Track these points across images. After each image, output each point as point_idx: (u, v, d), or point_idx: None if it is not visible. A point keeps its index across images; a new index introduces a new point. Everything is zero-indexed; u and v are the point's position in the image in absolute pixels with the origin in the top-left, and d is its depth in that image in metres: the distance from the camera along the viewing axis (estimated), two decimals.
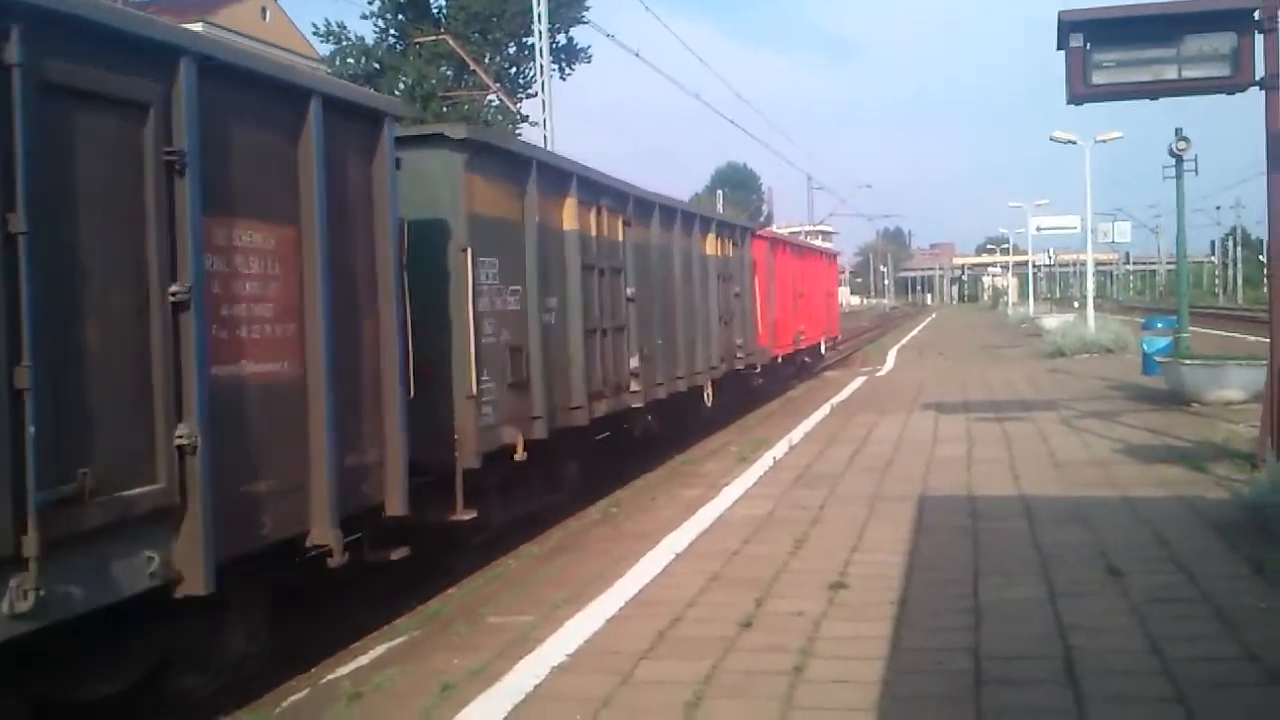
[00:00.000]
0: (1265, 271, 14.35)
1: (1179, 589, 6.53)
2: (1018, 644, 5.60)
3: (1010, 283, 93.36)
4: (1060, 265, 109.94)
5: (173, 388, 5.33)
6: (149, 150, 5.29)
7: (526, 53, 35.25)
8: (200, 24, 50.66)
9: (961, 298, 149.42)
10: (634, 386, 12.56)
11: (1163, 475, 10.20)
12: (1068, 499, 9.33)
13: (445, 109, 31.73)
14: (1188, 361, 16.53)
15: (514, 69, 37.27)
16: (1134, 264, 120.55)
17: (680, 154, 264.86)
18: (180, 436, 5.33)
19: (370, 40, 36.11)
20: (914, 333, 49.61)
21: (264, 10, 59.86)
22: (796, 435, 14.19)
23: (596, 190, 11.92)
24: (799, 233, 57.19)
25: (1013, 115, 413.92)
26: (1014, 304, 74.16)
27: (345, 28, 35.59)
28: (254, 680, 6.67)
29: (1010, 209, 62.92)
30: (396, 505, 7.34)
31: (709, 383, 16.48)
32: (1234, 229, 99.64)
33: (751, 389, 20.75)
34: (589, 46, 38.36)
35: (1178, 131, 20.55)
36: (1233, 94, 9.71)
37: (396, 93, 32.32)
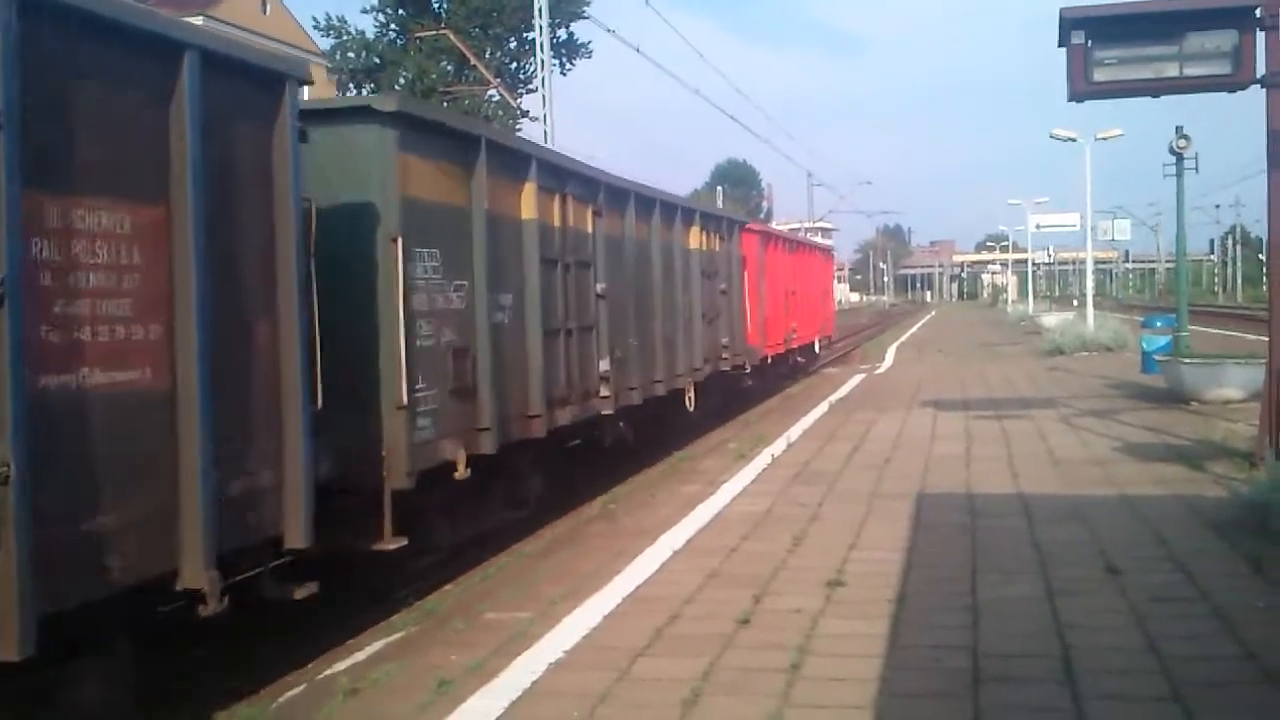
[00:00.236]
0: (1264, 270, 14.35)
1: (1177, 588, 6.53)
2: (1015, 642, 5.59)
3: (1010, 280, 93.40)
4: (1060, 263, 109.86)
5: None
6: None
7: (527, 48, 35.27)
8: (200, 17, 50.67)
9: (961, 295, 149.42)
10: (604, 392, 11.59)
11: (1161, 474, 10.20)
12: (1066, 497, 9.33)
13: (445, 104, 31.69)
14: (1187, 360, 16.53)
15: (514, 64, 37.29)
16: (1133, 262, 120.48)
17: (680, 150, 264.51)
18: None
19: (371, 35, 36.13)
20: (913, 330, 49.60)
21: (264, 4, 59.79)
22: (795, 432, 14.19)
23: (561, 176, 10.89)
24: (799, 229, 57.20)
25: (1013, 112, 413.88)
26: (1013, 302, 74.19)
27: (346, 22, 35.69)
28: (252, 676, 6.68)
29: (1010, 206, 62.76)
30: (297, 536, 6.25)
31: (691, 386, 15.47)
32: (1234, 227, 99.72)
33: (740, 391, 20.01)
34: (589, 42, 38.44)
35: (1178, 129, 20.54)
36: (1234, 92, 9.69)
37: (397, 87, 32.33)
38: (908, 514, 8.84)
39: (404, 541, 7.58)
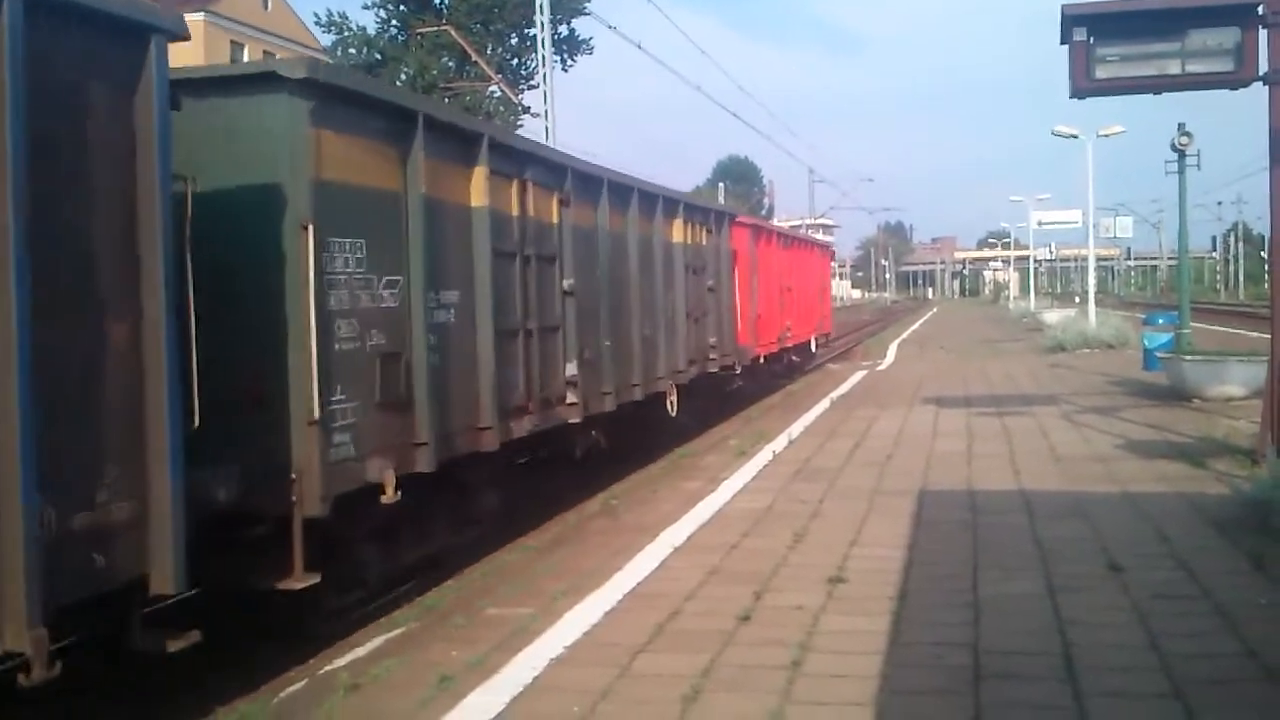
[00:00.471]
0: (1266, 267, 14.34)
1: (1179, 585, 6.52)
2: (1017, 639, 5.59)
3: (1011, 277, 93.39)
4: (1062, 260, 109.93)
5: None
6: None
7: (528, 44, 35.24)
8: (201, 14, 50.63)
9: (963, 292, 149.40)
10: (571, 398, 10.59)
11: (1163, 471, 10.19)
12: (1068, 494, 9.32)
13: (446, 99, 31.68)
14: (1189, 357, 16.51)
15: (516, 60, 37.28)
16: (1135, 259, 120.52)
17: (682, 147, 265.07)
18: None
19: (372, 30, 36.13)
20: (915, 327, 49.57)
21: (265, 0, 59.74)
22: (796, 429, 14.18)
23: (520, 160, 9.85)
24: (800, 226, 57.17)
25: (1015, 109, 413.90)
26: (1015, 299, 74.19)
27: (347, 18, 35.68)
28: (253, 671, 6.69)
29: (1012, 203, 62.81)
30: (166, 580, 5.33)
31: (673, 389, 14.39)
32: (1236, 224, 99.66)
33: (730, 393, 19.04)
34: (591, 38, 38.42)
35: (1180, 126, 20.53)
36: (1236, 89, 9.68)
37: (398, 83, 32.32)
38: (909, 511, 8.84)
39: (316, 578, 6.66)
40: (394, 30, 36.22)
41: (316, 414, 6.59)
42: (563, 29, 36.65)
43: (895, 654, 5.41)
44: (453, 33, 32.11)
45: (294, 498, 6.51)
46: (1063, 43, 9.82)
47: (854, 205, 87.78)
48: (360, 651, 6.83)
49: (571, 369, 10.62)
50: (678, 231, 14.95)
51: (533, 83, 34.71)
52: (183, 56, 6.18)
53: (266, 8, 59.57)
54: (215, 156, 6.45)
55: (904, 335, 41.53)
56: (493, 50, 35.76)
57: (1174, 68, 9.64)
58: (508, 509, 9.90)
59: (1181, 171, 20.74)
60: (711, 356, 16.49)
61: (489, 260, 8.90)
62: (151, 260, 5.37)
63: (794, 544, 7.86)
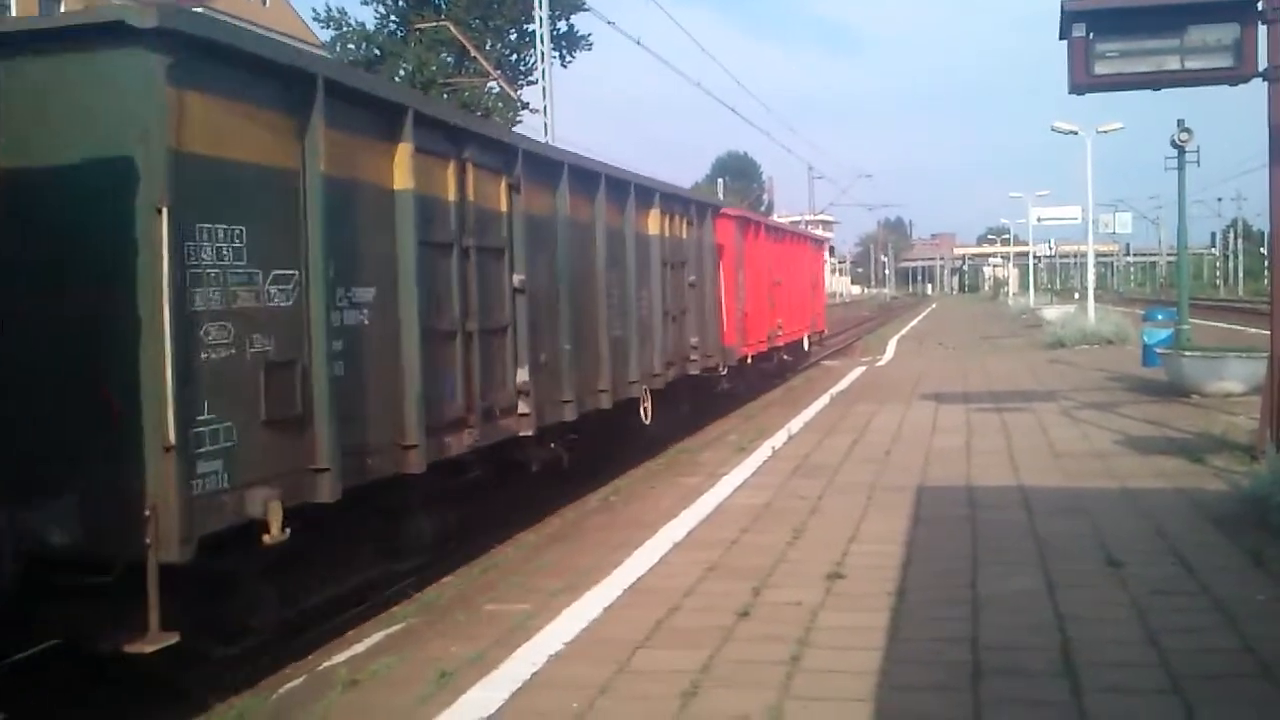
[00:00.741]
0: (1266, 263, 14.33)
1: (1177, 581, 6.52)
2: (1016, 635, 5.59)
3: (1011, 273, 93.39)
4: (1061, 256, 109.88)
5: None
6: None
7: (527, 39, 35.23)
8: (200, 9, 50.57)
9: (962, 288, 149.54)
10: (523, 408, 9.50)
11: (1162, 467, 10.19)
12: (1067, 490, 9.32)
13: (445, 95, 31.67)
14: (1188, 353, 16.51)
15: (515, 56, 37.29)
16: (1135, 255, 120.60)
17: (681, 144, 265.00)
18: None
19: (371, 26, 36.13)
20: (914, 323, 49.58)
21: None
22: (796, 425, 14.18)
23: (457, 137, 8.67)
24: (800, 222, 57.13)
25: (1014, 106, 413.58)
26: (1014, 295, 74.19)
27: (346, 14, 35.68)
28: (250, 667, 6.68)
29: (1011, 199, 62.95)
30: None
31: (647, 394, 13.21)
32: (1235, 221, 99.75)
33: (715, 396, 17.87)
34: (590, 34, 38.39)
35: (1180, 123, 20.52)
36: (1235, 85, 9.68)
37: (397, 79, 32.30)
38: (908, 507, 8.84)
39: (173, 638, 5.53)
40: (393, 26, 36.22)
41: (173, 438, 5.47)
42: (562, 25, 36.65)
43: (894, 650, 5.41)
44: (452, 28, 32.11)
45: (148, 539, 5.41)
46: (1062, 38, 9.82)
47: (854, 201, 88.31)
48: (359, 648, 6.81)
49: (523, 375, 9.52)
50: (653, 223, 13.87)
51: (532, 79, 34.75)
52: None
53: (265, 3, 59.49)
54: (54, 125, 5.62)
55: (903, 331, 41.54)
56: (492, 46, 35.77)
57: (1173, 64, 9.64)
58: (455, 532, 8.95)
59: (1181, 168, 20.72)
60: (693, 358, 15.46)
61: (415, 252, 7.72)
62: None
63: (793, 540, 7.86)
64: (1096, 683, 4.90)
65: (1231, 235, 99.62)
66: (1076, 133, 30.39)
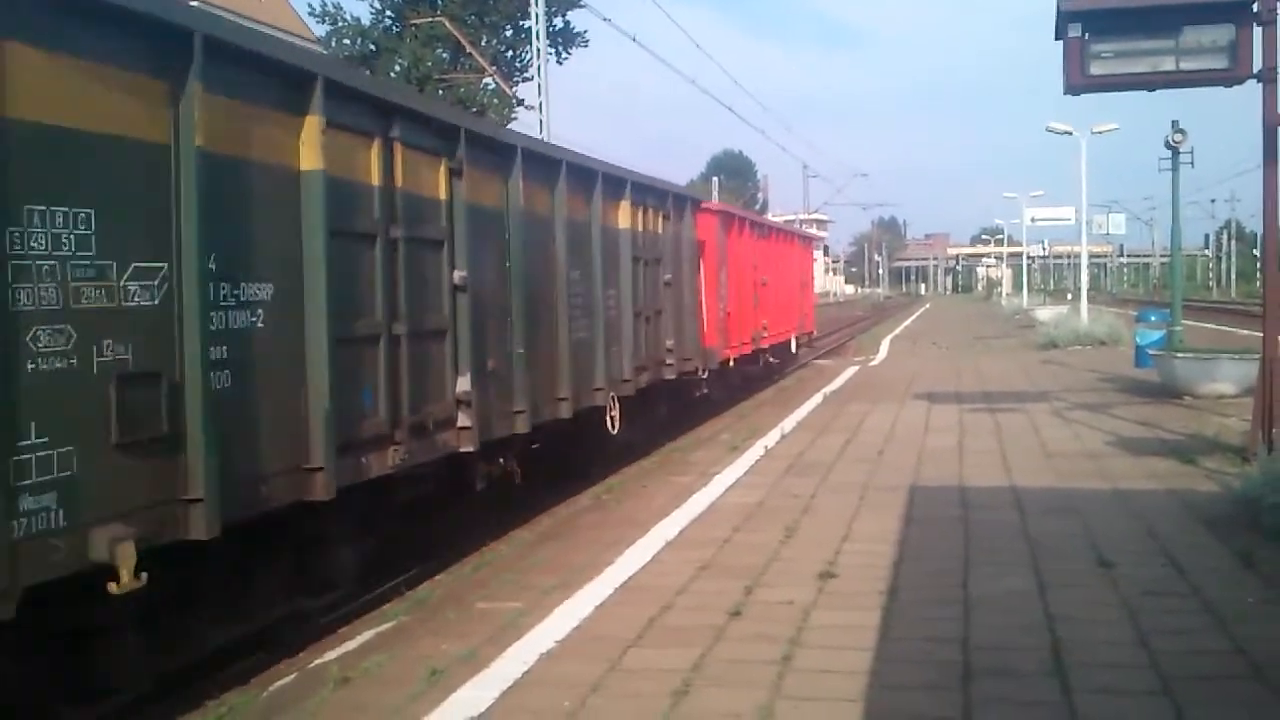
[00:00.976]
0: (1259, 265, 14.36)
1: (1169, 582, 6.53)
2: (1007, 635, 5.60)
3: (1004, 274, 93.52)
4: (1055, 257, 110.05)
5: None
6: None
7: (523, 36, 35.20)
8: (196, 3, 50.46)
9: (956, 288, 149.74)
10: (463, 421, 8.54)
11: (1154, 468, 10.21)
12: (1059, 490, 9.33)
13: (441, 91, 31.65)
14: (1180, 354, 16.56)
15: (510, 52, 37.28)
16: (1128, 256, 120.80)
17: (677, 141, 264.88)
18: None
19: (366, 22, 36.10)
20: (907, 322, 49.63)
21: None
22: (789, 424, 14.19)
23: (383, 112, 7.64)
24: (794, 221, 57.14)
25: (1010, 106, 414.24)
26: (1008, 295, 74.31)
27: (341, 9, 35.65)
28: (242, 664, 6.67)
29: (1005, 200, 63.00)
30: None
31: (615, 402, 12.22)
32: (1228, 222, 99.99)
33: (695, 402, 16.97)
34: (586, 31, 38.40)
35: (1174, 124, 20.58)
36: (1230, 86, 9.70)
37: (392, 75, 32.27)
38: (900, 506, 8.84)
39: None
40: (388, 21, 36.20)
41: None
42: (557, 21, 36.65)
43: (885, 649, 5.42)
44: (447, 24, 32.09)
45: None
46: (1058, 38, 9.84)
47: (848, 201, 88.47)
48: (350, 645, 6.81)
49: (464, 384, 8.55)
50: (624, 216, 12.84)
51: (528, 75, 34.72)
52: None
53: None
54: None
55: (896, 331, 41.59)
56: (487, 42, 35.76)
57: (1168, 64, 9.66)
58: (386, 560, 8.21)
59: (1175, 169, 20.80)
60: (668, 361, 14.41)
61: (324, 242, 6.64)
62: None
63: (785, 539, 7.86)
64: (1087, 683, 4.90)
65: (1225, 237, 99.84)
66: (1071, 133, 30.44)
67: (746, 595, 6.43)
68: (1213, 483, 9.36)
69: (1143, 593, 6.28)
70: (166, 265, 5.52)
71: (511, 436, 9.61)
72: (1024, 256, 72.45)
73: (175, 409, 5.47)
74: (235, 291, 6.00)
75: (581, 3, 36.33)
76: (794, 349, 25.41)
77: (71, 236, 5.00)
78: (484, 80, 33.61)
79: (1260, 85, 9.43)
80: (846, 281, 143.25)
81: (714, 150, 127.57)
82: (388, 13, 36.15)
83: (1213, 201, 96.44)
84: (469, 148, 8.74)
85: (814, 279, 35.56)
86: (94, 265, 5.11)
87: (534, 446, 10.48)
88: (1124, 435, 12.31)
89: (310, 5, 36.84)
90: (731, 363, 18.31)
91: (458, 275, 8.53)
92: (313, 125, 6.68)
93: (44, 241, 4.87)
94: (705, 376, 16.56)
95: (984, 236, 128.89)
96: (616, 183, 12.68)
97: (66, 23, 5.02)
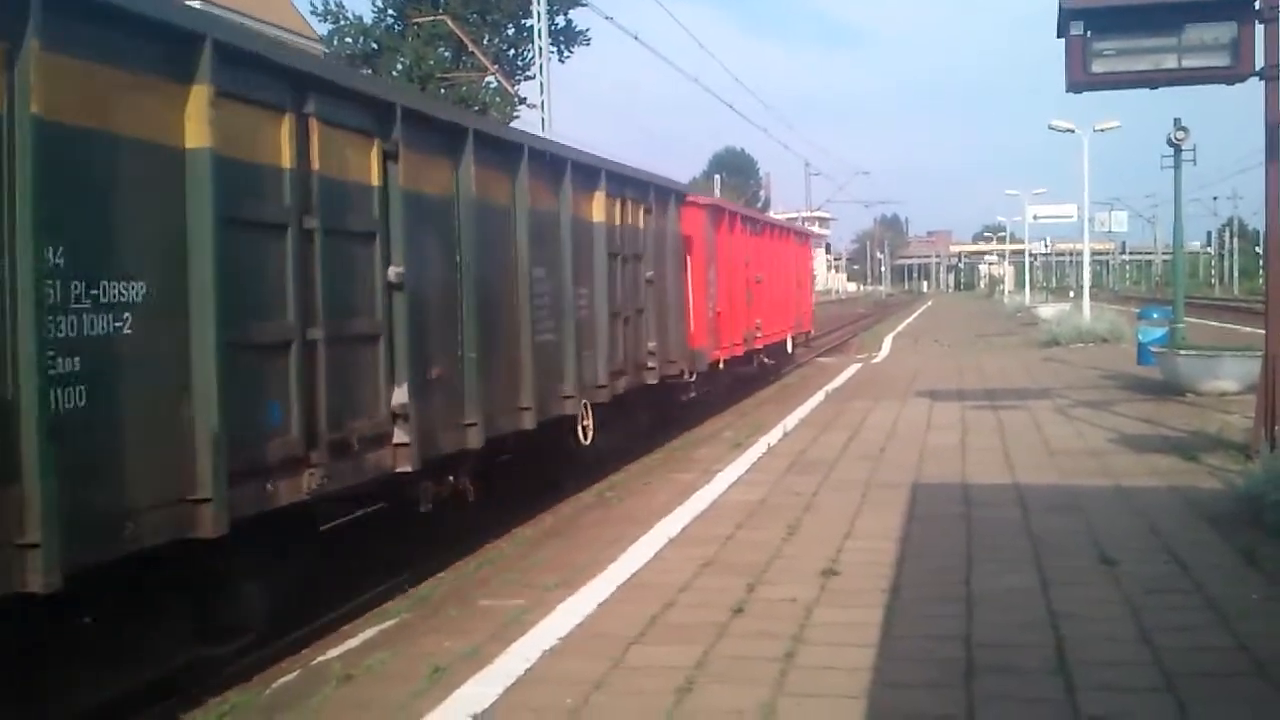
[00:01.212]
0: (1261, 263, 14.35)
1: (1171, 579, 6.53)
2: (1009, 632, 5.60)
3: (1007, 271, 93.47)
4: (1057, 254, 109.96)
5: None
6: None
7: (525, 35, 35.21)
8: (197, 2, 50.49)
9: (958, 286, 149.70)
10: (400, 437, 7.56)
11: (1157, 465, 10.21)
12: (1061, 488, 9.33)
13: (443, 90, 31.65)
14: (1183, 352, 16.53)
15: (512, 51, 37.31)
16: (1130, 254, 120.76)
17: (679, 139, 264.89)
18: None
19: (368, 20, 36.13)
20: (909, 320, 49.60)
21: None
22: (791, 421, 14.19)
23: (297, 84, 6.63)
24: (796, 218, 57.07)
25: (1012, 104, 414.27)
26: (1010, 292, 74.25)
27: (343, 7, 35.73)
28: (245, 661, 6.67)
29: (1008, 197, 63.09)
30: None
31: (587, 410, 11.33)
32: (1231, 219, 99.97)
33: (682, 407, 16.18)
34: (588, 29, 38.39)
35: (1176, 121, 20.54)
36: (1232, 84, 9.69)
37: (395, 73, 32.28)
38: (903, 503, 8.84)
39: None
40: (390, 20, 36.21)
41: None
42: (560, 20, 36.65)
43: (888, 647, 5.42)
44: (449, 23, 32.11)
45: None
46: (1060, 36, 9.83)
47: (850, 198, 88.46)
48: (353, 642, 6.82)
49: (400, 395, 7.56)
50: (599, 208, 11.87)
51: (529, 74, 34.79)
52: None
53: None
54: None
55: (899, 329, 41.55)
56: (489, 41, 35.77)
57: (1170, 62, 9.66)
58: (307, 597, 7.32)
59: (1177, 166, 20.75)
60: (650, 365, 13.39)
61: (213, 233, 5.67)
62: None
63: (788, 536, 7.86)
64: (1090, 681, 4.90)
65: (1227, 234, 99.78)
66: (1073, 131, 30.42)
67: (749, 592, 6.43)
68: (1215, 480, 9.35)
69: (1145, 590, 6.27)
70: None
71: (462, 452, 8.67)
72: (1026, 254, 72.39)
73: (5, 433, 4.50)
74: (92, 291, 4.99)
75: (583, 1, 36.36)
76: (790, 349, 24.71)
77: None
78: (486, 79, 33.63)
79: (1262, 83, 9.42)
80: (849, 279, 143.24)
81: (716, 148, 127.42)
82: (390, 11, 36.17)
83: (1215, 199, 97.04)
84: (406, 128, 7.73)
85: (812, 277, 34.82)
86: None
87: (503, 459, 9.83)
88: (1126, 432, 12.30)
89: (312, 4, 36.86)
90: (722, 364, 17.61)
91: (393, 272, 7.57)
92: (200, 95, 5.67)
93: None
94: (693, 380, 15.63)
95: (986, 234, 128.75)
96: (589, 172, 11.72)
97: None
